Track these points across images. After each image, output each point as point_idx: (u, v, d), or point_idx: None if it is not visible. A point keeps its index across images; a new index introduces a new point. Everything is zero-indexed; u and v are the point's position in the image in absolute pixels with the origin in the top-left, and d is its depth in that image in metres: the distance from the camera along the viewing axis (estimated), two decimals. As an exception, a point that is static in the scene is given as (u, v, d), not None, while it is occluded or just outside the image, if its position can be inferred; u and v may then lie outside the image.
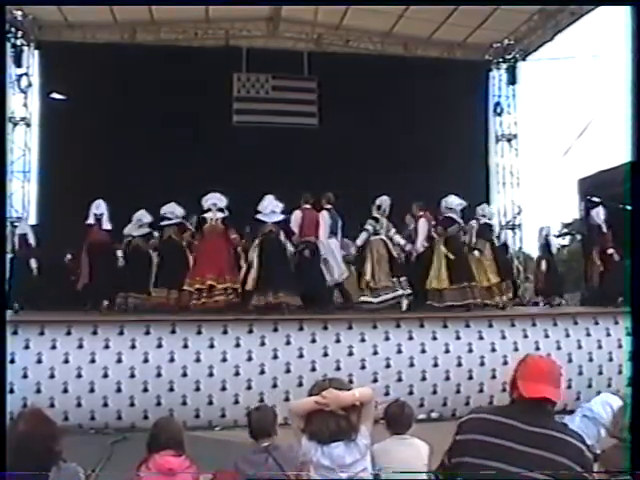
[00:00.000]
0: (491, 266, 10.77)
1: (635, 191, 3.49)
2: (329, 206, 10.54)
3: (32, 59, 15.13)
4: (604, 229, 11.80)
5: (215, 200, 10.10)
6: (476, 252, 10.72)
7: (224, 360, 8.51)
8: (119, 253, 10.68)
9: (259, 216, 9.89)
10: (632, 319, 3.36)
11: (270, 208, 9.89)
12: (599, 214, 12.00)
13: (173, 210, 10.61)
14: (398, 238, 10.48)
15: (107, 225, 10.56)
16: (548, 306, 12.07)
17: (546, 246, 13.28)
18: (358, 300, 10.26)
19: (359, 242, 10.38)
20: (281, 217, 9.94)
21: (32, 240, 11.41)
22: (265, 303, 9.39)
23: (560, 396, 2.65)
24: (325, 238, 10.26)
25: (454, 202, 10.63)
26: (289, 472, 3.65)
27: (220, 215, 10.04)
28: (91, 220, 10.44)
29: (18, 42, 14.52)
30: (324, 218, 10.34)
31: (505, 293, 10.88)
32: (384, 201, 10.47)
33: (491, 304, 10.48)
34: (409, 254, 10.86)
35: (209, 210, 10.09)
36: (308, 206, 10.48)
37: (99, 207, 10.51)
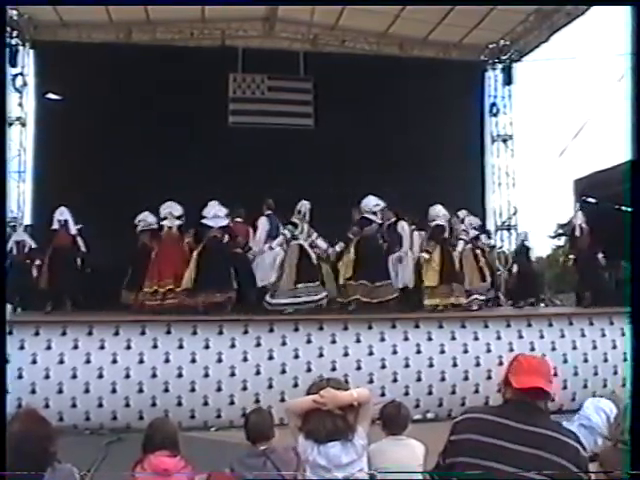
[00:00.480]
0: (435, 268, 10.56)
1: (635, 191, 3.48)
2: (269, 212, 10.78)
3: (27, 58, 15.10)
4: (583, 232, 12.23)
5: (170, 209, 10.67)
6: (424, 254, 10.67)
7: (219, 361, 8.51)
8: (79, 261, 11.13)
9: (204, 221, 10.25)
10: (632, 320, 3.35)
11: (213, 213, 10.26)
12: (577, 218, 12.44)
13: (145, 218, 11.13)
14: (320, 242, 10.53)
15: (73, 230, 10.85)
16: (519, 308, 12.25)
17: (521, 250, 13.58)
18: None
19: (273, 245, 10.48)
20: (225, 222, 10.32)
21: (28, 246, 11.93)
22: (201, 303, 9.74)
23: (552, 388, 2.66)
24: (261, 243, 10.60)
25: (370, 203, 10.62)
26: (287, 476, 3.65)
27: (176, 223, 10.63)
28: (55, 226, 10.80)
29: (13, 41, 14.47)
30: (262, 224, 10.69)
31: (449, 296, 10.46)
32: (303, 205, 10.50)
33: (430, 306, 10.36)
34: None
35: (165, 218, 10.66)
36: (240, 220, 11.01)
37: (63, 214, 10.82)
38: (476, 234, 12.17)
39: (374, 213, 10.55)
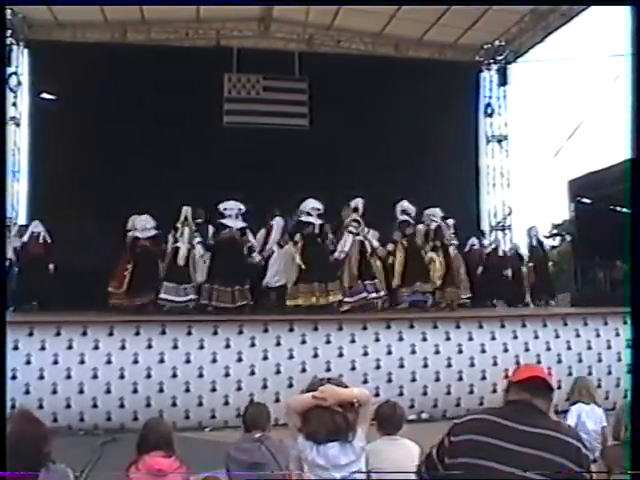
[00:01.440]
0: (298, 266, 10.19)
1: (635, 188, 3.49)
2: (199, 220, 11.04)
3: (21, 58, 15.07)
4: (539, 243, 14.15)
5: (133, 221, 11.49)
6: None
7: (214, 361, 8.49)
8: (51, 267, 11.92)
9: (135, 232, 11.30)
10: (632, 321, 3.39)
11: (141, 225, 11.23)
12: (533, 230, 14.12)
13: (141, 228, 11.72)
14: (199, 247, 10.78)
15: (48, 239, 12.09)
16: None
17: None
18: None
19: (168, 249, 10.93)
20: (153, 232, 11.20)
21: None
22: (139, 304, 10.70)
23: (551, 379, 2.71)
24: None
25: (222, 206, 10.75)
26: (281, 461, 3.71)
27: (136, 234, 11.33)
28: (28, 238, 12.07)
29: (7, 41, 14.42)
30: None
31: (310, 296, 10.03)
32: (186, 211, 10.85)
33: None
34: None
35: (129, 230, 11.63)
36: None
37: (37, 227, 12.19)
38: (405, 220, 11.34)
39: (228, 216, 10.72)
